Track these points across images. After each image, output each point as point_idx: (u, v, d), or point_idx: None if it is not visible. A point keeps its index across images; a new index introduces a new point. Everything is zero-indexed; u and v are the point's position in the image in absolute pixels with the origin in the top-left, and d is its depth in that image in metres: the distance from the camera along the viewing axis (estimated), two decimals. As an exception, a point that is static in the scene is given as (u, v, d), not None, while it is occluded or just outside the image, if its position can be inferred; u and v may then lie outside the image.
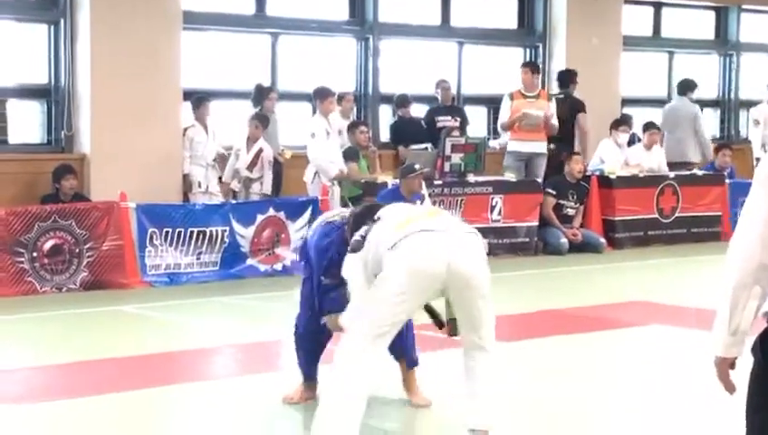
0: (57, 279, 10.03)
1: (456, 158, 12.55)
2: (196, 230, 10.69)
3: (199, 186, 11.75)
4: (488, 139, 14.22)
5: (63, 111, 11.78)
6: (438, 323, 5.38)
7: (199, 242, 10.67)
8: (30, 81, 11.92)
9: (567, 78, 14.36)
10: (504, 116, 13.41)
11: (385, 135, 14.38)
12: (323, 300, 5.65)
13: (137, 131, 11.73)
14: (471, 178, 12.72)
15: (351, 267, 5.25)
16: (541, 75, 13.96)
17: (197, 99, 11.95)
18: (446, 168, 12.48)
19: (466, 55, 15.02)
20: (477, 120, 14.98)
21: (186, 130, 11.93)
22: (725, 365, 3.25)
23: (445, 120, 13.77)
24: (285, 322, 8.94)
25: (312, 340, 5.99)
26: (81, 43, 11.69)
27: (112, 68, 11.64)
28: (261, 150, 11.83)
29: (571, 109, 13.95)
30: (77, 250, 10.14)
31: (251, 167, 11.81)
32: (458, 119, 13.88)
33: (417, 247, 5.03)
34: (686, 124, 14.94)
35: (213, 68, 13.07)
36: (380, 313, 4.98)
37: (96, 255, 10.20)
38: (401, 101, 13.88)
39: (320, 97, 12.21)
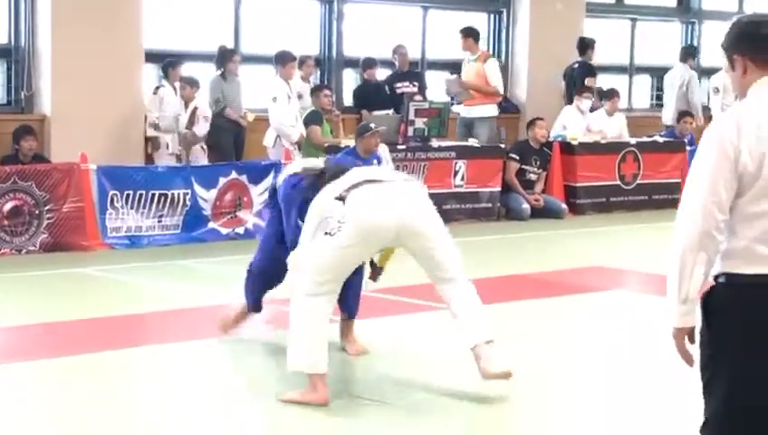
0: (17, 241, 9.93)
1: (420, 122, 12.51)
2: (157, 193, 10.60)
3: (167, 147, 11.68)
4: (451, 104, 14.18)
5: (23, 71, 11.64)
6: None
7: (161, 205, 10.60)
8: (-10, 40, 11.76)
9: (583, 45, 14.76)
10: None
11: (348, 99, 14.30)
12: (295, 240, 5.85)
13: (98, 92, 11.60)
14: (434, 142, 12.70)
15: (308, 216, 5.63)
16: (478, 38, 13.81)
17: (169, 62, 11.92)
18: (410, 132, 12.44)
19: (431, 20, 14.95)
20: (443, 86, 14.91)
21: (156, 89, 11.85)
22: (682, 336, 3.33)
23: (403, 86, 13.69)
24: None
25: (263, 280, 6.62)
26: (41, 1, 11.52)
27: (73, 27, 11.50)
28: (196, 108, 11.76)
29: (581, 75, 14.33)
30: (37, 212, 10.04)
31: (189, 125, 11.72)
32: (416, 84, 13.81)
33: (367, 201, 5.48)
34: (677, 90, 15.43)
35: (176, 29, 12.94)
36: (328, 262, 5.44)
37: (56, 217, 10.10)
38: (367, 64, 13.77)
39: (280, 61, 12.14)
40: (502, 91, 13.80)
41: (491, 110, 13.53)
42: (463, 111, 13.58)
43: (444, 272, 5.72)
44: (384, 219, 5.50)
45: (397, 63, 13.91)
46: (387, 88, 13.78)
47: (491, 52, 14.89)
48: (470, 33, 13.62)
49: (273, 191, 6.45)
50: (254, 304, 6.76)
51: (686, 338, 3.34)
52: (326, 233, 5.48)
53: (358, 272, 6.18)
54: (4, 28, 11.72)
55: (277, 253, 6.23)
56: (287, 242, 6.07)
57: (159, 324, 7.43)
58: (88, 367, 6.13)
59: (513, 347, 6.72)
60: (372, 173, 5.92)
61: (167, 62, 12.01)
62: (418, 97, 13.10)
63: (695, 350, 3.37)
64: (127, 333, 7.10)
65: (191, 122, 11.74)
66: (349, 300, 6.35)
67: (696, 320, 3.31)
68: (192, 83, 11.85)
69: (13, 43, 11.71)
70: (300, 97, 12.45)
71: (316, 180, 5.82)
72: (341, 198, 5.51)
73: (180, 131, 11.72)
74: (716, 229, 3.26)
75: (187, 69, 12.19)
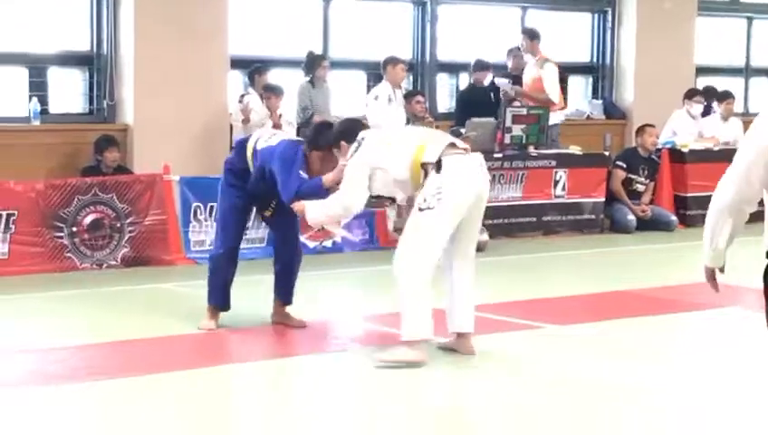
0: (97, 255, 9.97)
1: (518, 129, 12.29)
2: None
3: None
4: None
5: (106, 80, 11.74)
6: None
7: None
8: (72, 48, 11.86)
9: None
10: None
11: (443, 105, 14.16)
12: (302, 186, 6.66)
13: (182, 101, 11.65)
14: (533, 150, 12.47)
15: (354, 170, 6.26)
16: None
17: (255, 69, 11.96)
18: (507, 140, 12.23)
19: (530, 21, 14.73)
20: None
21: (242, 97, 11.86)
22: (711, 271, 4.26)
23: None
24: (333, 302, 8.92)
25: (230, 260, 7.32)
26: (124, 8, 11.61)
27: (157, 34, 11.58)
28: (280, 116, 11.72)
29: None
30: (118, 225, 10.07)
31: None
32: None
33: (463, 171, 6.17)
34: None
35: (262, 34, 12.95)
36: (432, 237, 6.10)
37: (138, 230, 10.12)
38: (479, 66, 13.22)
39: (389, 64, 12.10)
40: (556, 101, 12.86)
41: (553, 117, 12.81)
42: None
43: (470, 247, 6.47)
44: (478, 190, 6.25)
45: (510, 66, 13.53)
46: (492, 91, 13.33)
47: (598, 56, 14.61)
48: (533, 35, 13.16)
49: (256, 152, 6.97)
50: (222, 303, 7.41)
51: (715, 272, 4.23)
52: (422, 209, 6.10)
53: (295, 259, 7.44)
54: (86, 36, 11.81)
55: (240, 228, 7.43)
56: (290, 192, 6.68)
57: (242, 342, 7.35)
58: (168, 386, 6.07)
59: (620, 367, 6.53)
60: (442, 136, 6.57)
61: (253, 68, 12.03)
62: (516, 102, 12.86)
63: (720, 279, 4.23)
64: (209, 351, 7.03)
65: (277, 128, 11.68)
66: (290, 290, 7.53)
67: (720, 263, 4.20)
68: (276, 92, 11.82)
69: (95, 51, 11.80)
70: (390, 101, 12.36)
71: (323, 134, 6.76)
72: (436, 166, 6.09)
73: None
74: (744, 203, 4.00)
75: (273, 76, 12.19)
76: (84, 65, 11.86)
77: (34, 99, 11.42)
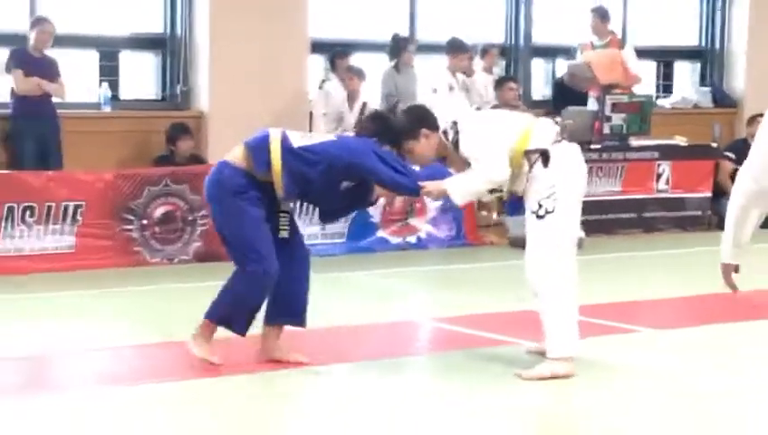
0: (168, 249, 10.01)
1: (618, 118, 12.12)
2: None
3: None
4: (657, 97, 13.75)
5: (179, 64, 11.79)
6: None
7: (325, 211, 10.56)
8: (144, 30, 11.96)
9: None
10: None
11: (538, 92, 14.03)
12: (409, 175, 6.14)
13: (260, 87, 11.66)
14: (634, 141, 12.30)
15: (483, 143, 6.07)
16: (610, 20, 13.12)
17: (335, 52, 11.94)
18: (606, 129, 12.07)
19: (632, 2, 14.53)
20: (646, 76, 14.49)
21: (322, 82, 11.86)
22: (729, 270, 4.58)
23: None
24: (415, 301, 8.88)
25: (256, 285, 6.22)
26: (198, -11, 11.66)
27: (233, 16, 11.60)
28: (365, 104, 11.67)
29: None
30: (190, 218, 10.10)
31: (358, 123, 11.64)
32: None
33: (572, 166, 6.15)
34: None
35: (345, 16, 12.93)
36: (560, 241, 6.05)
37: (211, 223, 10.09)
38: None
39: (450, 51, 12.05)
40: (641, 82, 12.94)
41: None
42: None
43: None
44: (584, 184, 6.30)
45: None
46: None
47: (707, 39, 14.36)
48: (603, 15, 12.98)
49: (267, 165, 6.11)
50: (245, 328, 6.38)
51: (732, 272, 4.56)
52: (540, 216, 6.02)
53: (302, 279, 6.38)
54: (159, 17, 11.88)
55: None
56: (413, 180, 6.14)
57: (318, 342, 7.33)
58: (242, 387, 6.07)
59: (729, 371, 6.43)
60: (549, 122, 6.36)
61: (334, 52, 12.00)
62: (617, 90, 12.67)
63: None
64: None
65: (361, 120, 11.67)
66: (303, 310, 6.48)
67: (739, 259, 4.51)
68: (359, 74, 11.78)
69: (168, 34, 11.86)
70: (486, 89, 12.26)
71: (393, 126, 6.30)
72: (544, 158, 6.03)
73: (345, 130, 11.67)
74: (763, 194, 4.32)
75: (356, 60, 12.15)
76: (157, 49, 11.94)
77: (105, 84, 11.53)
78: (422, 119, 6.27)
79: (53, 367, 6.77)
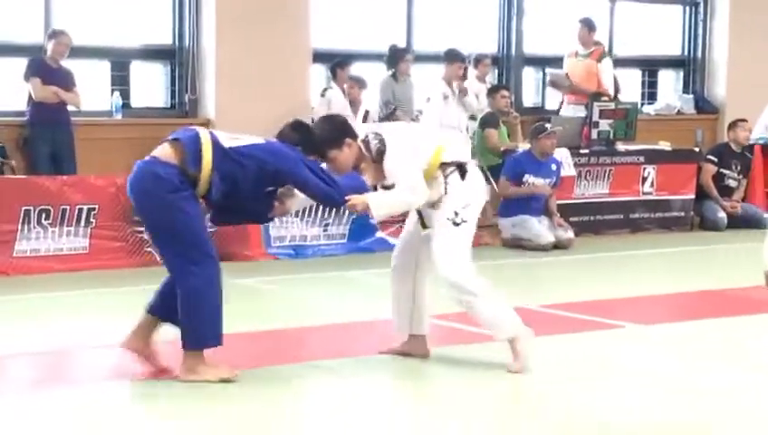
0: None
1: (605, 124, 12.19)
2: None
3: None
4: (642, 104, 13.79)
5: (187, 74, 11.85)
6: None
7: (326, 213, 10.56)
8: (153, 41, 12.00)
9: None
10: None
11: (529, 100, 14.06)
12: (335, 187, 5.86)
13: (264, 95, 11.69)
14: (621, 146, 12.34)
15: (408, 164, 5.96)
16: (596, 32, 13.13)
17: (337, 62, 11.97)
18: (594, 135, 12.12)
19: (619, 13, 14.57)
20: (631, 84, 14.55)
21: (324, 91, 11.89)
22: None
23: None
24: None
25: (217, 286, 5.78)
26: (206, 1, 11.72)
27: (239, 28, 11.68)
28: (367, 112, 11.68)
29: None
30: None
31: None
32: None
33: (479, 180, 6.21)
34: None
35: (345, 27, 12.96)
36: (468, 248, 6.10)
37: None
38: None
39: (447, 60, 12.06)
40: (612, 95, 12.89)
41: (581, 110, 12.68)
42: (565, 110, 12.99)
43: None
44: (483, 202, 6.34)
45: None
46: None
47: (689, 49, 14.39)
48: (591, 26, 12.99)
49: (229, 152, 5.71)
50: (219, 338, 5.87)
51: None
52: (457, 223, 6.03)
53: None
54: (168, 29, 11.94)
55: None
56: (340, 193, 5.88)
57: (320, 340, 7.36)
58: (245, 384, 6.07)
59: (711, 366, 6.44)
60: (461, 138, 6.75)
61: (335, 62, 12.05)
62: (604, 97, 12.72)
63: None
64: (285, 348, 7.04)
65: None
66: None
67: None
68: (360, 83, 11.82)
69: (177, 45, 11.92)
70: (477, 97, 12.28)
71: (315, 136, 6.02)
72: (461, 172, 6.07)
73: None
74: None
75: (356, 69, 12.20)
76: (166, 59, 12.00)
77: (116, 93, 11.59)
78: (345, 128, 6.14)
79: (68, 363, 6.78)
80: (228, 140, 5.79)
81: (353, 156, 6.06)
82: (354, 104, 11.82)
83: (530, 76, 14.21)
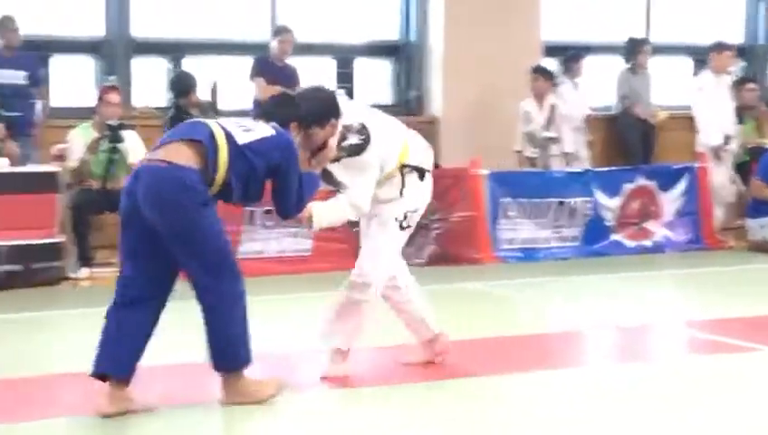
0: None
1: None
2: (554, 201, 10.48)
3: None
4: None
5: (413, 70, 11.90)
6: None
7: (558, 214, 10.47)
8: (379, 37, 12.08)
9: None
10: None
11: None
12: (299, 204, 5.50)
13: (492, 91, 11.66)
14: None
15: (370, 168, 5.74)
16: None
17: (570, 56, 11.85)
18: None
19: None
20: None
21: (554, 86, 11.75)
22: None
23: None
24: (660, 305, 8.59)
25: (246, 301, 5.32)
26: (433, -5, 11.72)
27: (467, 21, 11.64)
28: (554, 106, 11.42)
29: None
30: (425, 221, 10.08)
31: (547, 126, 11.41)
32: None
33: (429, 188, 6.08)
34: None
35: (579, 18, 12.80)
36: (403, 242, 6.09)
37: (445, 227, 10.14)
38: None
39: (716, 50, 11.81)
40: None
41: None
42: None
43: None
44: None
45: None
46: None
47: None
48: None
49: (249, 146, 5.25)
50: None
51: None
52: (403, 227, 5.95)
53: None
54: (393, 24, 12.00)
55: None
56: (301, 200, 5.45)
57: (546, 348, 7.20)
58: (470, 393, 6.00)
59: None
60: (421, 139, 6.13)
61: (568, 55, 11.91)
62: None
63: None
64: (517, 355, 6.89)
65: (549, 121, 11.44)
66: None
67: None
68: (543, 72, 11.49)
69: (403, 41, 11.98)
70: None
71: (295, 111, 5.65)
72: (420, 175, 5.96)
73: (537, 136, 11.44)
74: None
75: (589, 62, 12.00)
76: (391, 55, 12.06)
77: (341, 91, 11.65)
78: (334, 107, 5.76)
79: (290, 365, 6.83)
80: (240, 133, 5.30)
81: (327, 137, 5.71)
82: (540, 97, 11.45)
83: (779, 68, 13.70)
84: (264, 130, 5.39)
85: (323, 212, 5.80)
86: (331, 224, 5.98)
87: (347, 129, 5.73)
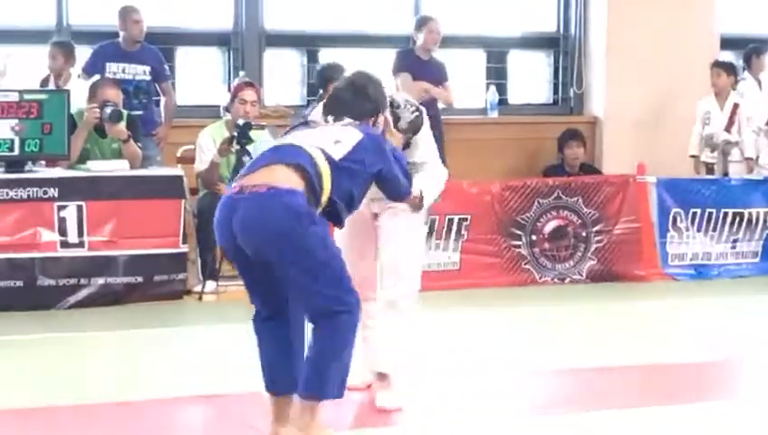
0: (559, 268, 9.69)
1: None
2: (730, 212, 10.04)
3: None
4: None
5: (573, 65, 11.64)
6: None
7: (735, 227, 10.04)
8: (535, 29, 11.82)
9: None
10: None
11: None
12: (409, 179, 5.47)
13: (661, 89, 11.35)
14: None
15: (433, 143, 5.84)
16: None
17: (752, 49, 11.45)
18: None
19: None
20: None
21: (735, 83, 11.22)
22: None
23: None
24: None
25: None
26: (595, -14, 11.48)
27: (632, 12, 11.32)
28: (736, 106, 10.84)
29: None
30: (584, 234, 9.75)
31: (728, 127, 10.86)
32: None
33: None
34: None
35: (761, 8, 12.31)
36: None
37: (607, 240, 9.78)
38: None
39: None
40: None
41: None
42: None
43: None
44: None
45: None
46: None
47: None
48: None
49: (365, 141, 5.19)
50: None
51: None
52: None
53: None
54: (552, 15, 11.74)
55: None
56: (402, 188, 5.41)
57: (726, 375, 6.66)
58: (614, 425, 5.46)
59: None
60: None
61: (749, 48, 11.44)
62: None
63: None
64: (681, 384, 6.34)
65: (731, 123, 10.91)
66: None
67: None
68: (729, 70, 10.97)
69: (561, 32, 11.74)
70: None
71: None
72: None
73: (716, 140, 10.90)
74: None
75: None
76: (549, 49, 11.81)
77: (492, 87, 11.45)
78: (385, 96, 5.60)
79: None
80: (335, 149, 5.12)
81: (381, 127, 5.57)
82: (721, 95, 10.88)
83: None
84: (352, 135, 5.22)
85: (431, 192, 5.76)
86: (434, 199, 5.89)
87: (396, 110, 5.70)
